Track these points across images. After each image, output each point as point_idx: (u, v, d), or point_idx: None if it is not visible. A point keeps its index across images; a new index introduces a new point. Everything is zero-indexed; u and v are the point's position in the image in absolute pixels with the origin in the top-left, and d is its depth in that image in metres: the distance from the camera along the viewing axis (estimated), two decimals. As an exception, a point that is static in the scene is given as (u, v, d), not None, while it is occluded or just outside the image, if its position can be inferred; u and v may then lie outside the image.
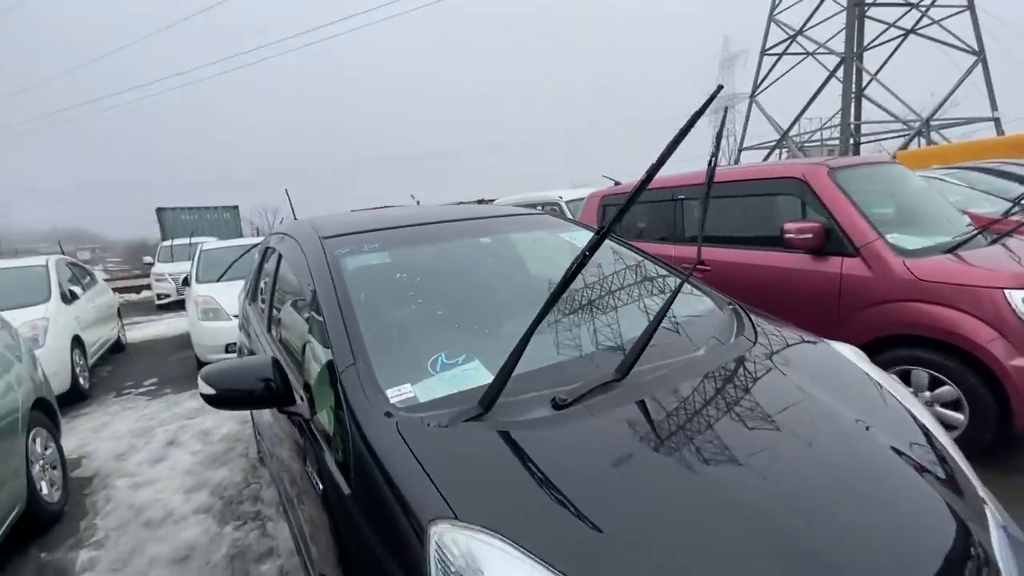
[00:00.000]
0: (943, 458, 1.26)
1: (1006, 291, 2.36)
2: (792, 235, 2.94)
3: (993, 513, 1.16)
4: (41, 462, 2.82)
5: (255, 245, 6.73)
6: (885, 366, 2.69)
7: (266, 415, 2.51)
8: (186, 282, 6.66)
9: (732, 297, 2.03)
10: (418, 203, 10.65)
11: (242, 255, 6.32)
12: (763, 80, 23.27)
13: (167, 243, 13.40)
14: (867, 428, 1.25)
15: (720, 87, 1.14)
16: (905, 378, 2.67)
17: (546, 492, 0.99)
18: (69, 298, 5.71)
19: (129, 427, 4.17)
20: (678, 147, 1.13)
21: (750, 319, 1.81)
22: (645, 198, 4.21)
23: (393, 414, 1.20)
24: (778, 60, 22.55)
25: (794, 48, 21.39)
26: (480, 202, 10.91)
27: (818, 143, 23.45)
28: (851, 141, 18.87)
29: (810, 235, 2.89)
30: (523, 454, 1.09)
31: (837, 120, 18.99)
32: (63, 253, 7.47)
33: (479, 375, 1.34)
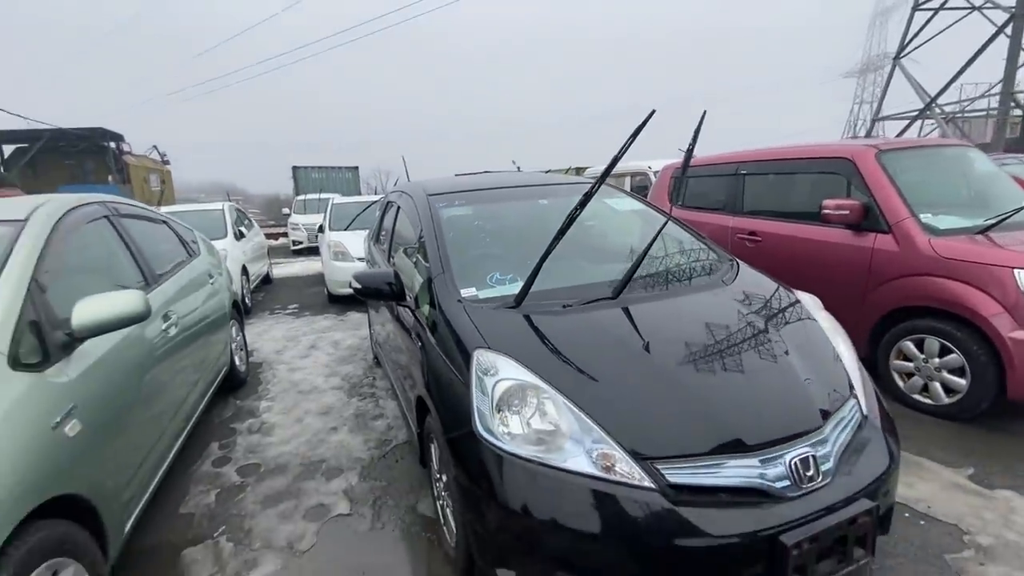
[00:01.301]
0: (833, 370, 1.78)
1: (1015, 270, 2.57)
2: (830, 211, 3.25)
3: (856, 406, 1.68)
4: (234, 344, 4.08)
5: (375, 202, 7.97)
6: (904, 334, 3.02)
7: (382, 331, 3.48)
8: (321, 230, 8.11)
9: (781, 267, 2.54)
10: (518, 169, 11.42)
11: (364, 209, 7.57)
12: (911, 40, 20.48)
13: (301, 197, 15.59)
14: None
15: (653, 111, 1.73)
16: (919, 345, 2.96)
17: (543, 344, 1.72)
18: (238, 236, 7.34)
19: (282, 334, 5.53)
20: (632, 144, 1.76)
21: (737, 269, 2.34)
22: (711, 172, 4.58)
23: (462, 301, 1.98)
24: (933, 16, 19.66)
25: (954, 2, 18.51)
26: (569, 170, 11.40)
27: (982, 113, 20.30)
28: (1015, 111, 16.22)
29: (847, 211, 3.19)
30: (535, 327, 1.82)
31: (998, 89, 16.35)
32: (230, 201, 9.33)
33: (516, 288, 2.07)
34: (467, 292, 2.06)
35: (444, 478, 1.93)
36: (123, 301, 1.87)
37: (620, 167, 8.13)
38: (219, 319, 3.58)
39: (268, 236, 17.89)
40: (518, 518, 1.44)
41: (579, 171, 11.09)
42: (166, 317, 2.60)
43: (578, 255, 2.46)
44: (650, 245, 2.07)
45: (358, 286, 2.39)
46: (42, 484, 1.41)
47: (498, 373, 1.62)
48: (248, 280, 7.15)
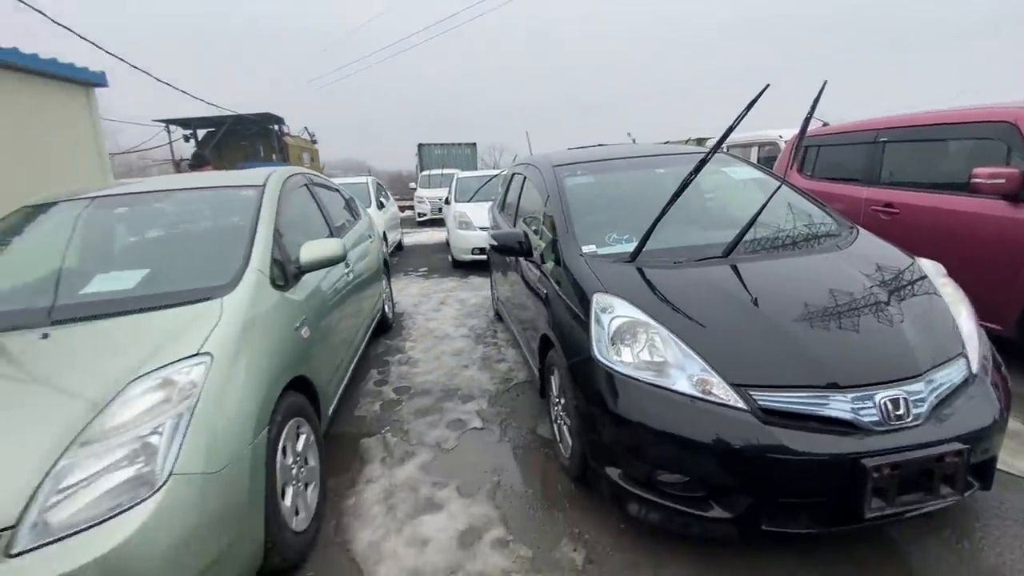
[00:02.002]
0: (943, 329, 1.84)
1: None
2: (982, 180, 3.02)
3: (966, 364, 1.75)
4: (384, 294, 4.86)
5: (495, 176, 8.55)
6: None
7: (504, 290, 3.96)
8: (447, 202, 8.92)
9: (920, 240, 2.57)
10: (633, 141, 11.33)
11: (486, 183, 8.18)
12: None
13: (426, 173, 16.90)
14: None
15: (767, 85, 1.86)
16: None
17: (653, 291, 2.02)
18: (380, 206, 8.38)
19: (416, 291, 6.35)
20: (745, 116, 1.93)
21: (856, 235, 2.39)
22: (847, 140, 4.35)
23: (583, 256, 2.33)
24: None
25: None
26: (688, 141, 11.00)
27: None
28: None
29: (1003, 180, 2.94)
30: (647, 278, 2.11)
31: None
32: (371, 176, 10.55)
33: (632, 246, 2.35)
34: (588, 248, 2.40)
35: (562, 401, 2.34)
36: (331, 246, 2.51)
37: (748, 137, 7.78)
38: (376, 272, 4.32)
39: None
40: (626, 427, 1.78)
41: (700, 142, 10.68)
42: (346, 264, 3.30)
43: (691, 219, 2.67)
44: (762, 208, 2.23)
45: (494, 243, 2.85)
46: (292, 367, 2.05)
47: (614, 311, 1.95)
48: (387, 245, 8.16)
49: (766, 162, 7.15)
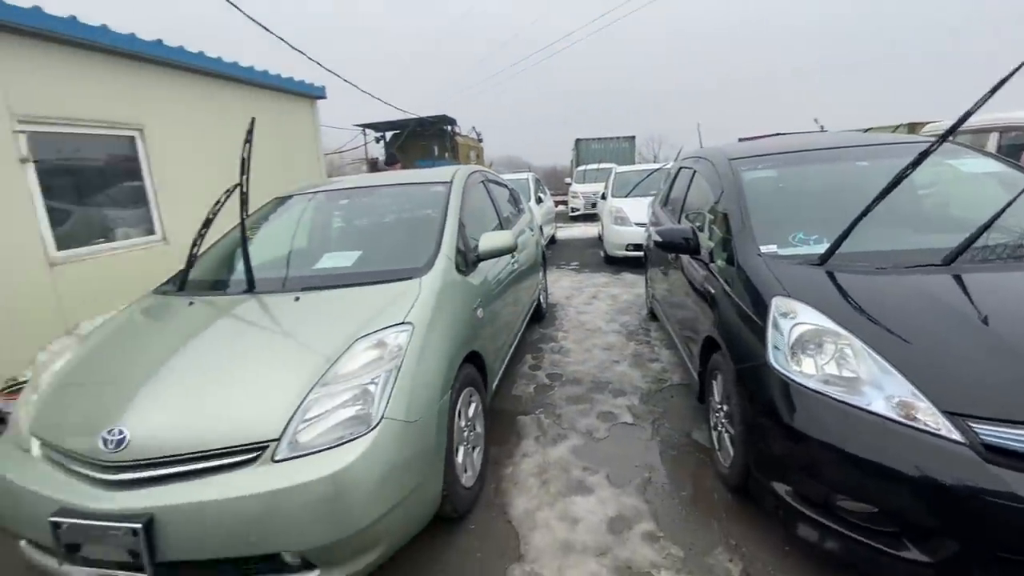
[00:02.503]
0: None
1: None
2: None
3: None
4: (540, 285, 5.09)
5: (655, 170, 8.29)
6: None
7: (662, 288, 3.86)
8: (603, 197, 8.91)
9: None
10: (822, 128, 9.95)
11: (645, 177, 7.97)
12: None
13: (582, 168, 17.03)
14: None
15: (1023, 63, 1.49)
16: None
17: (846, 299, 1.82)
18: (538, 201, 8.72)
19: (568, 284, 6.51)
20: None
21: None
22: None
23: (761, 256, 2.18)
24: None
25: None
26: (899, 128, 9.28)
27: None
28: None
29: None
30: (839, 284, 1.90)
31: None
32: (531, 172, 11.02)
33: (821, 248, 2.13)
34: (767, 248, 2.24)
35: (725, 408, 2.23)
36: (505, 238, 2.74)
37: (986, 120, 6.30)
38: (535, 263, 4.56)
39: (551, 203, 20.32)
40: (803, 443, 1.65)
41: (912, 128, 8.95)
42: (513, 254, 3.55)
43: (901, 219, 2.32)
44: (1005, 209, 1.85)
45: (659, 239, 2.82)
46: (469, 342, 2.31)
47: (796, 317, 1.81)
48: (542, 238, 8.48)
49: (1010, 151, 5.74)
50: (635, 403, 3.13)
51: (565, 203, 17.03)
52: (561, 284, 6.57)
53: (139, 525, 1.45)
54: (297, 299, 2.16)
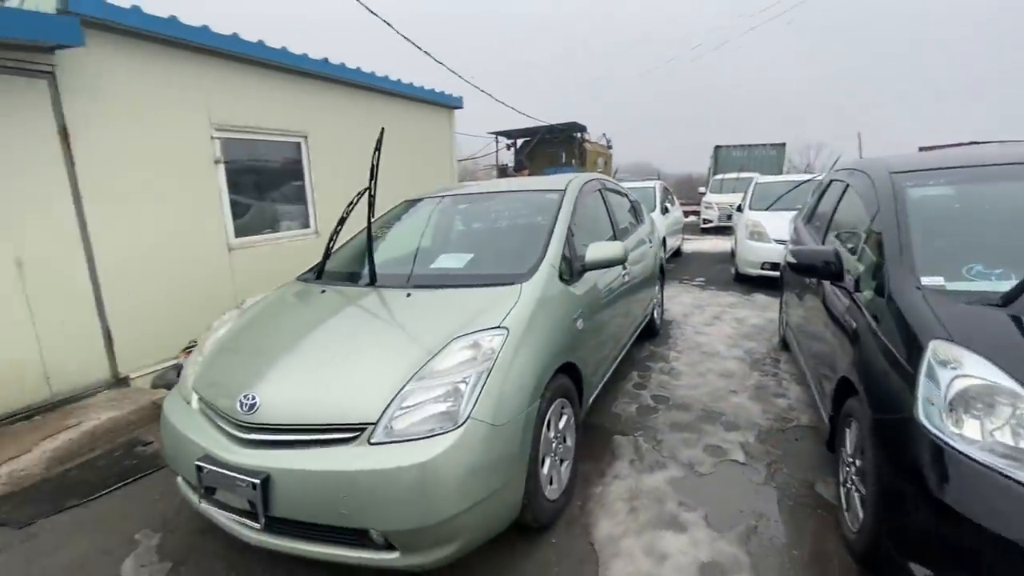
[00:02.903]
0: None
1: None
2: None
3: None
4: (655, 300, 4.84)
5: (804, 182, 7.42)
6: None
7: (798, 314, 3.43)
8: (739, 209, 8.21)
9: None
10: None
11: (791, 189, 7.17)
12: None
13: (719, 177, 15.88)
14: None
15: None
16: None
17: (1039, 353, 1.43)
18: (664, 211, 8.32)
19: (689, 301, 6.10)
20: None
21: None
22: None
23: (921, 289, 1.82)
24: None
25: None
26: None
27: None
28: None
29: None
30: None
31: None
32: (659, 180, 10.56)
33: (1007, 284, 1.71)
34: (930, 280, 1.86)
35: (857, 462, 1.90)
36: (613, 249, 2.65)
37: None
38: (650, 277, 4.35)
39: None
40: (956, 524, 1.34)
41: None
42: (624, 266, 3.43)
43: None
44: None
45: (793, 260, 2.50)
46: (564, 352, 2.27)
47: (960, 368, 1.47)
48: (665, 250, 8.07)
49: None
50: (750, 440, 2.82)
51: (696, 214, 16.03)
52: (681, 300, 6.19)
53: (257, 480, 1.66)
54: (409, 295, 2.31)
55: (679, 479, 2.49)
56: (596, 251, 2.64)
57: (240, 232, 4.64)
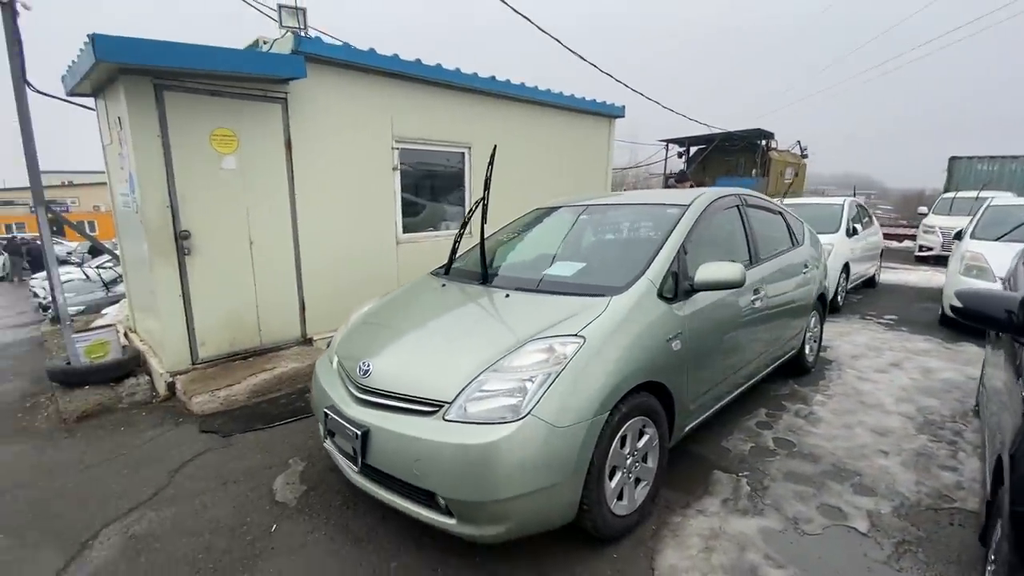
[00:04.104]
0: None
1: None
2: None
3: None
4: (809, 333, 4.25)
5: (1062, 206, 5.69)
6: None
7: (991, 374, 2.74)
8: (958, 236, 6.63)
9: None
10: None
11: (1038, 215, 5.57)
12: None
13: (948, 195, 12.87)
14: None
15: None
16: None
17: None
18: (850, 233, 7.14)
19: (864, 341, 5.18)
20: None
21: None
22: None
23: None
24: None
25: None
26: None
27: None
28: None
29: None
30: None
31: None
32: (854, 196, 9.05)
33: None
34: None
35: (992, 567, 1.52)
36: (728, 270, 2.48)
37: None
38: (801, 307, 3.86)
39: (891, 236, 16.09)
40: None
41: None
42: (756, 291, 3.14)
43: None
44: None
45: (958, 304, 2.04)
46: (649, 371, 2.22)
47: None
48: (847, 279, 6.93)
49: None
50: (883, 511, 2.38)
51: (913, 238, 13.26)
52: (854, 339, 5.30)
53: (359, 432, 2.04)
54: (508, 296, 2.52)
55: (774, 531, 2.24)
56: (708, 272, 2.51)
57: (407, 229, 5.42)
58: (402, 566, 2.06)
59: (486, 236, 2.95)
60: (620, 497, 2.17)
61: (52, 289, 4.16)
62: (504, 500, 1.79)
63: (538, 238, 3.46)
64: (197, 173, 3.92)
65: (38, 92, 4.24)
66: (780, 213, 4.07)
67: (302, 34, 4.25)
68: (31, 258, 13.04)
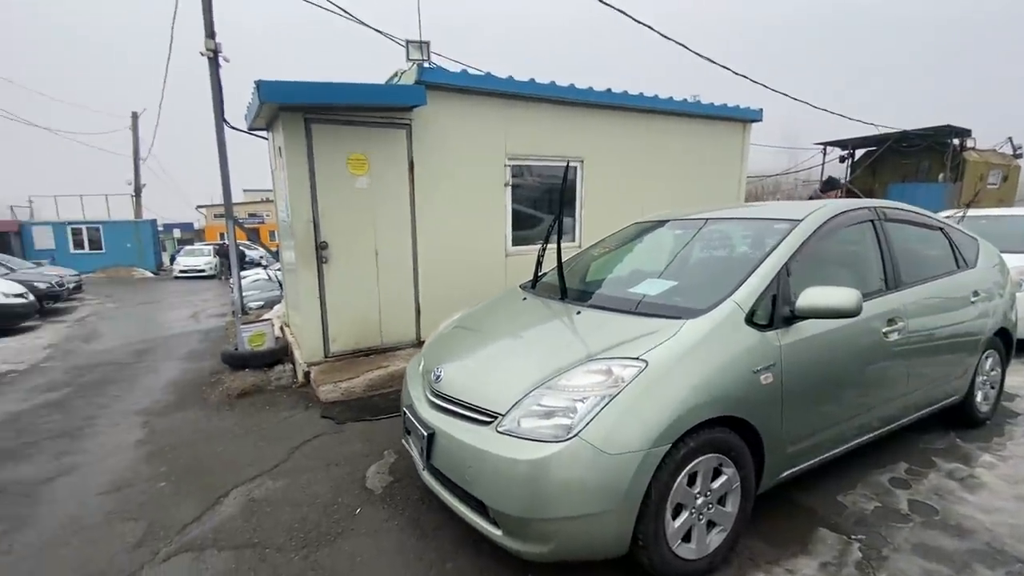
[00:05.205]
0: None
1: None
2: None
3: None
4: (982, 377, 3.43)
5: None
6: None
7: None
8: None
9: None
10: None
11: None
12: None
13: None
14: None
15: None
16: None
17: None
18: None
19: (1077, 393, 4.02)
20: None
21: None
22: None
23: None
24: None
25: None
26: None
27: None
28: None
29: None
30: None
31: None
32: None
33: None
34: None
35: None
36: (837, 296, 2.15)
37: None
38: (966, 343, 3.15)
39: None
40: None
41: None
42: (891, 322, 2.65)
43: None
44: None
45: None
46: (726, 404, 2.00)
47: None
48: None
49: None
50: (1056, 617, 1.83)
51: None
52: (1060, 388, 4.14)
53: (427, 433, 2.18)
54: (579, 313, 2.48)
55: (883, 613, 1.87)
56: (812, 297, 2.19)
57: (515, 242, 5.60)
58: (456, 568, 2.14)
59: (546, 251, 2.95)
60: (687, 539, 2.00)
61: (234, 287, 5.15)
62: (547, 520, 1.77)
63: (632, 254, 3.34)
64: (334, 192, 4.54)
65: (232, 128, 5.30)
66: (940, 228, 3.38)
67: (425, 65, 4.68)
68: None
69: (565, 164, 2.82)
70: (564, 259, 3.23)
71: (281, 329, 5.96)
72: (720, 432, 2.01)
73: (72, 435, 3.78)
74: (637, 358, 1.94)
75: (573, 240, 6.03)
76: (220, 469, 3.09)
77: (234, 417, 3.97)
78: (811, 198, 13.68)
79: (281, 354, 5.10)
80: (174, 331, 8.38)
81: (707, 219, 3.28)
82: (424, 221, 4.99)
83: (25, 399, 4.86)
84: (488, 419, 2.01)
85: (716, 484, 2.05)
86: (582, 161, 5.87)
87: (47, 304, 10.58)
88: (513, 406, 1.96)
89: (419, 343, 5.15)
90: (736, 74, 8.03)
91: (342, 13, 6.91)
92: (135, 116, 22.84)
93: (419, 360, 2.84)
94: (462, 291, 5.25)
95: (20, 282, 9.55)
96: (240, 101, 5.35)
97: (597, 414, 1.81)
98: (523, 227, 5.71)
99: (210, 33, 4.86)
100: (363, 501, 2.68)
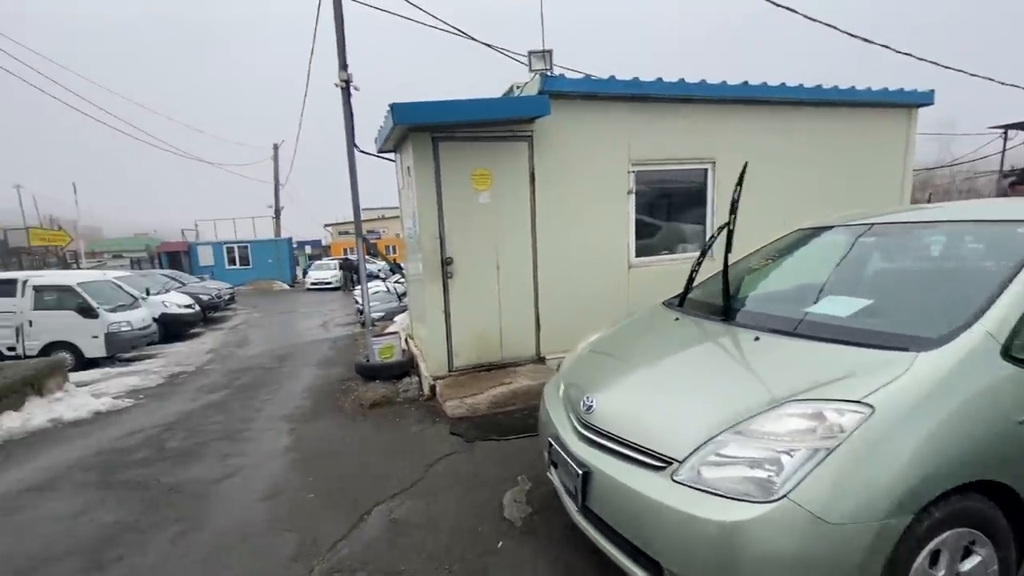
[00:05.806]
0: None
1: None
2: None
3: None
4: None
5: None
6: None
7: None
8: None
9: None
10: None
11: None
12: None
13: None
14: None
15: None
16: None
17: None
18: None
19: None
20: None
21: None
22: None
23: None
24: None
25: None
26: None
27: None
28: None
29: None
30: None
31: None
32: None
33: None
34: None
35: None
36: None
37: None
38: None
39: None
40: None
41: None
42: None
43: None
44: None
45: None
46: (981, 465, 1.54)
47: None
48: None
49: None
50: None
51: None
52: None
53: (581, 472, 1.96)
54: (757, 339, 2.11)
55: None
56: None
57: (639, 252, 5.25)
58: (619, 629, 1.88)
59: (730, 263, 2.56)
60: (927, 636, 1.55)
61: (362, 301, 5.41)
62: (745, 598, 1.45)
63: (800, 266, 2.88)
64: (459, 208, 4.56)
65: (363, 152, 5.60)
66: None
67: (548, 74, 4.56)
68: (355, 274, 17.64)
69: (744, 164, 2.47)
70: (704, 276, 2.86)
71: (406, 341, 6.17)
72: (973, 501, 1.55)
73: (232, 438, 4.13)
74: (859, 401, 1.55)
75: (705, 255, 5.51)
76: (360, 483, 3.14)
77: (368, 427, 4.09)
78: (1009, 189, 11.44)
79: (408, 366, 5.23)
80: (308, 338, 9.13)
81: (901, 223, 2.72)
82: (544, 233, 4.84)
83: (193, 399, 5.48)
84: (659, 464, 1.74)
85: (967, 567, 1.58)
86: (713, 163, 5.36)
87: (209, 313, 12.19)
88: (693, 452, 1.67)
89: (539, 359, 4.99)
90: (899, 52, 6.92)
91: (458, 32, 7.10)
92: (275, 147, 25.92)
93: (558, 384, 2.64)
94: (582, 305, 5.01)
95: (188, 294, 11.13)
96: (358, 126, 5.65)
97: (812, 471, 1.46)
98: (648, 236, 5.34)
99: (343, 65, 5.20)
100: (503, 533, 2.53)
